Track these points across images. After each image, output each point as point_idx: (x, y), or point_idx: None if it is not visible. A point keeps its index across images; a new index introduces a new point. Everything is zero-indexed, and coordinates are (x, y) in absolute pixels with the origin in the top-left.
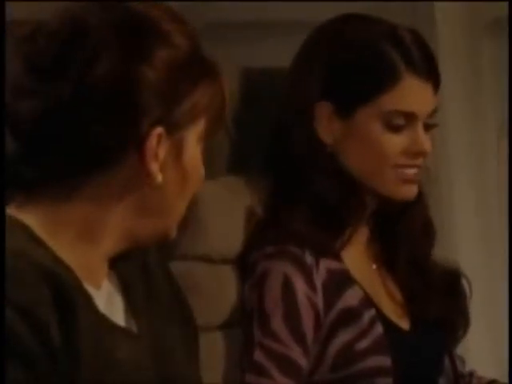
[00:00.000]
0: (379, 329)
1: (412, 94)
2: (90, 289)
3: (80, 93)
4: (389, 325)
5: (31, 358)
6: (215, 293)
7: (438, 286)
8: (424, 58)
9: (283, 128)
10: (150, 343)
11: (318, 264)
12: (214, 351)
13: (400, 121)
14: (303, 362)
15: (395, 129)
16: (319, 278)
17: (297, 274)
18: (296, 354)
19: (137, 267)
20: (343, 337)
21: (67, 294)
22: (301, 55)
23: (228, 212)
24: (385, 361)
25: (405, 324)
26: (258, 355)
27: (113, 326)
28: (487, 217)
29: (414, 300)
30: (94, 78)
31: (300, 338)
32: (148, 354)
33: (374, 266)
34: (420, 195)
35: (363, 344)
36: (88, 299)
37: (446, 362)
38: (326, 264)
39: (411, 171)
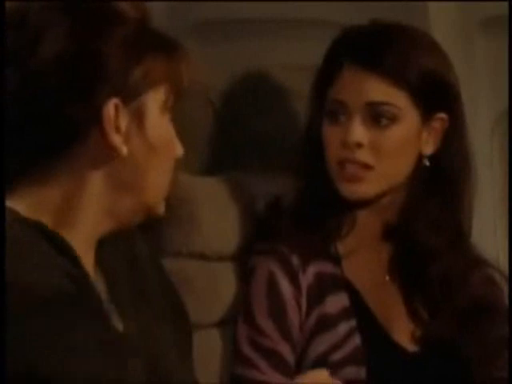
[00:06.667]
0: (357, 340)
1: (348, 83)
2: None
3: (30, 75)
4: (389, 343)
5: None
6: (209, 290)
7: (461, 319)
8: (371, 48)
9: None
10: (138, 343)
11: (306, 267)
12: (208, 349)
13: (336, 110)
14: (291, 357)
15: (334, 119)
16: (305, 281)
17: (281, 273)
18: (283, 348)
19: (125, 264)
20: (319, 346)
21: None
22: None
23: (222, 209)
24: (360, 372)
25: (409, 341)
26: (246, 348)
27: None
28: (481, 214)
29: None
30: (41, 59)
31: (286, 334)
32: (136, 354)
33: (387, 278)
34: (440, 255)
35: (338, 355)
36: None
37: None
38: (316, 267)
39: (352, 168)
